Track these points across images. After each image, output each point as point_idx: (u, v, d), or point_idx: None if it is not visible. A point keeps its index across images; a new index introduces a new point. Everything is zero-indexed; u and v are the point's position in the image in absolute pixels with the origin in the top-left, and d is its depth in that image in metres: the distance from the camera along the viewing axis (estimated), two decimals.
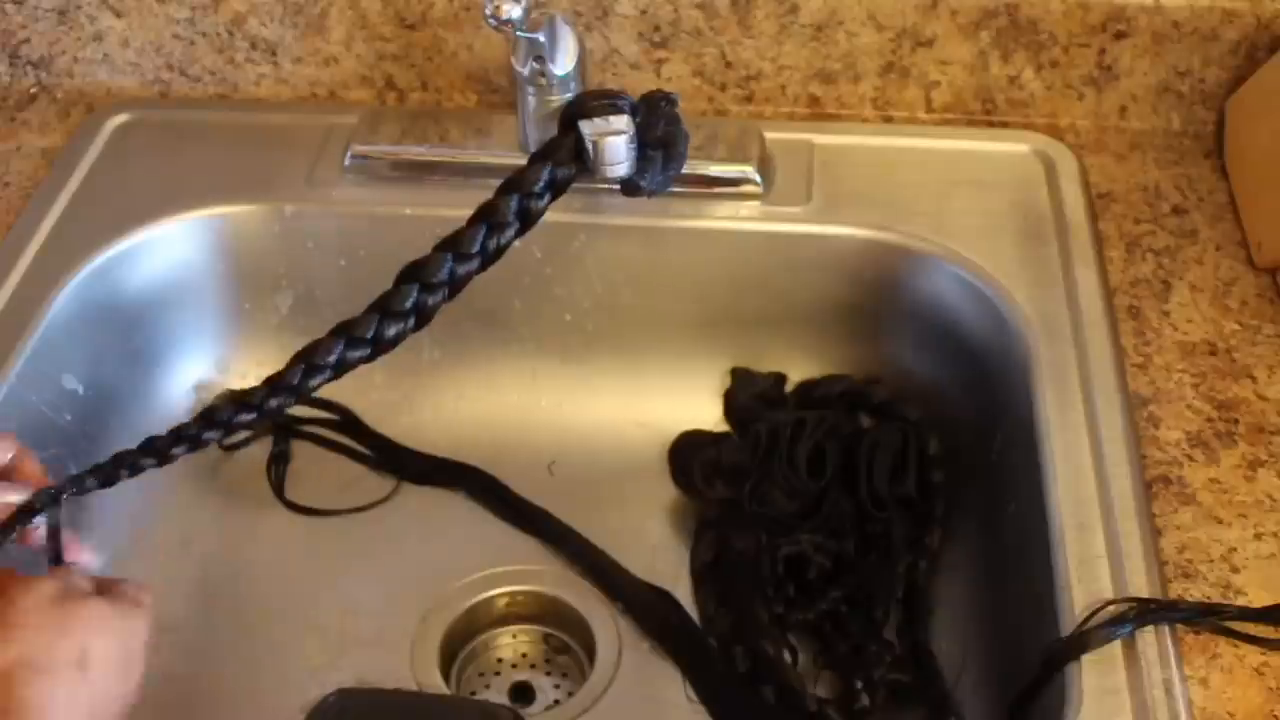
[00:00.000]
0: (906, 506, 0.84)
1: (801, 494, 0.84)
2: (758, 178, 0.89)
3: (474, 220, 0.65)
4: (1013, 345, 0.81)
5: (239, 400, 0.64)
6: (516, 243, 0.89)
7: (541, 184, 0.65)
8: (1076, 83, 0.94)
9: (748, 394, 0.92)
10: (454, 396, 0.95)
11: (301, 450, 0.93)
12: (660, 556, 0.87)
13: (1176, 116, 0.95)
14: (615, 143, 0.69)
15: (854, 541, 0.83)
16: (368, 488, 0.91)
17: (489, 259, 0.65)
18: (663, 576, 0.85)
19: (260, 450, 0.93)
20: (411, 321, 0.64)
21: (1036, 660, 0.66)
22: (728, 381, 0.93)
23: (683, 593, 0.84)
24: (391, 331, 0.63)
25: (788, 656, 0.79)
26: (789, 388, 0.92)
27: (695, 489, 0.88)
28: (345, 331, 0.63)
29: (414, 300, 0.63)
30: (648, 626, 0.83)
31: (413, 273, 0.64)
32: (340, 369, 0.63)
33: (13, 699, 0.51)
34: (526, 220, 0.66)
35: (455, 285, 0.64)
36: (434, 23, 0.95)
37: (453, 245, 0.64)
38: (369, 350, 0.63)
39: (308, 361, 0.63)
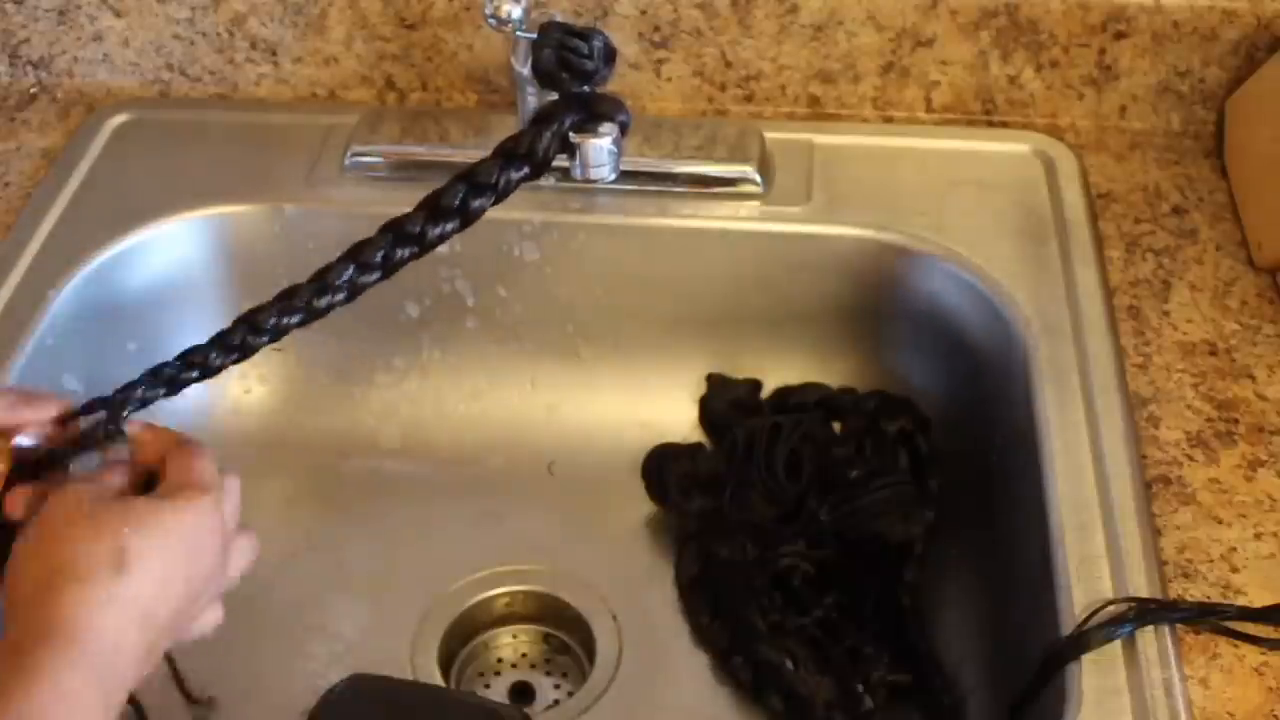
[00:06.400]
0: (900, 505, 0.84)
1: (781, 499, 0.84)
2: (757, 178, 0.89)
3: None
4: (1013, 345, 0.81)
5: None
6: (519, 250, 0.91)
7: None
8: (1076, 83, 0.94)
9: (723, 400, 0.91)
10: (454, 396, 0.94)
11: None
12: (661, 555, 0.87)
13: (1176, 116, 0.95)
14: (599, 145, 0.69)
15: (839, 545, 0.83)
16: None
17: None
18: (663, 575, 0.86)
19: None
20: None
21: (1036, 660, 0.66)
22: None
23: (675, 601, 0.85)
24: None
25: (789, 663, 0.79)
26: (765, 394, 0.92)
27: (672, 502, 0.87)
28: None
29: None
30: None
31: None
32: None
33: (51, 608, 0.49)
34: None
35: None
36: (434, 23, 0.95)
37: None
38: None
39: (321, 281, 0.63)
